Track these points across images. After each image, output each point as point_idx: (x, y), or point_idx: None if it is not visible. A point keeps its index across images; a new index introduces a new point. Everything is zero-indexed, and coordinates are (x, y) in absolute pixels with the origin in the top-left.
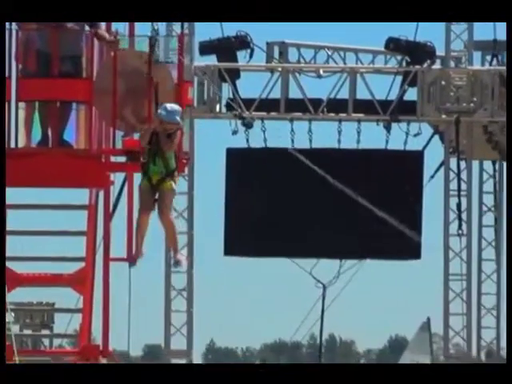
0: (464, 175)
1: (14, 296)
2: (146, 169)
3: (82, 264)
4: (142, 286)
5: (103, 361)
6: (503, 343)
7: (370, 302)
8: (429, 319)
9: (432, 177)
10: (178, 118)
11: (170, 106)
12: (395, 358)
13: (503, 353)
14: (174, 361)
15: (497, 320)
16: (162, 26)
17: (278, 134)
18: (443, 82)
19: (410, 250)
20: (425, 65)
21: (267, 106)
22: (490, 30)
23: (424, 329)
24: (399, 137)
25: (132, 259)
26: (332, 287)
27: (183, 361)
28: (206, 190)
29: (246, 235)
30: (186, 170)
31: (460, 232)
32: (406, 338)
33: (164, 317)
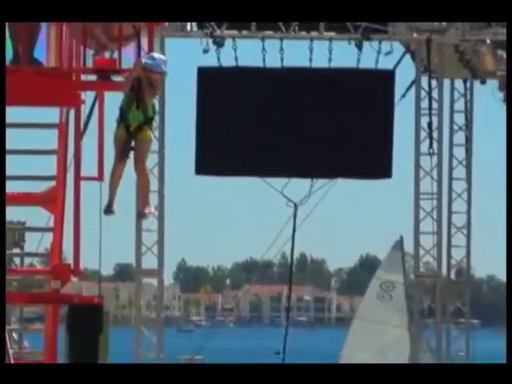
0: (435, 94)
1: None
2: (125, 115)
3: (53, 183)
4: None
5: (74, 279)
6: (473, 262)
7: (341, 222)
8: (401, 238)
9: (403, 96)
10: (163, 68)
11: (157, 55)
12: (366, 277)
13: (473, 271)
14: (145, 280)
15: (467, 239)
16: None
17: (249, 52)
18: None
19: (380, 169)
20: None
21: (238, 24)
22: None
23: (396, 248)
24: (371, 56)
25: (109, 208)
26: (303, 206)
27: (154, 280)
28: (177, 109)
29: (217, 154)
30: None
31: (431, 151)
32: (377, 256)
33: (135, 236)
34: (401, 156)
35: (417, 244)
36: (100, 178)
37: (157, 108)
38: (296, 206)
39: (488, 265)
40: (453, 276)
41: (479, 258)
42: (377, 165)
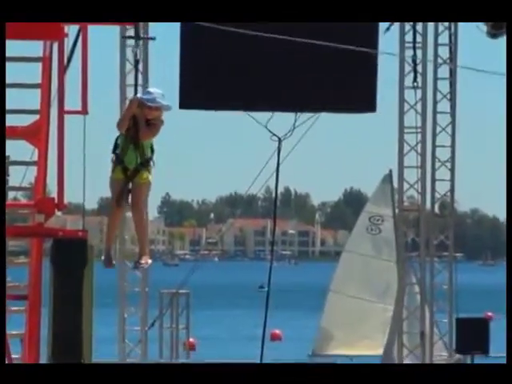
0: (419, 27)
1: None
2: (121, 157)
3: (37, 117)
4: (97, 139)
5: (58, 213)
6: (457, 195)
7: (325, 156)
8: (391, 171)
9: (387, 29)
10: (161, 101)
11: (154, 89)
12: (350, 211)
13: (457, 205)
14: (129, 214)
15: (451, 172)
16: None
17: None
18: None
19: (365, 102)
20: None
21: None
22: None
23: (386, 181)
24: None
25: (108, 260)
26: (288, 141)
27: None
28: (160, 42)
29: (201, 88)
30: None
31: (415, 84)
32: (361, 190)
33: None
34: (385, 90)
35: (401, 178)
36: (84, 111)
37: (154, 148)
38: (280, 141)
39: (472, 198)
40: (437, 210)
41: (463, 192)
42: (361, 98)
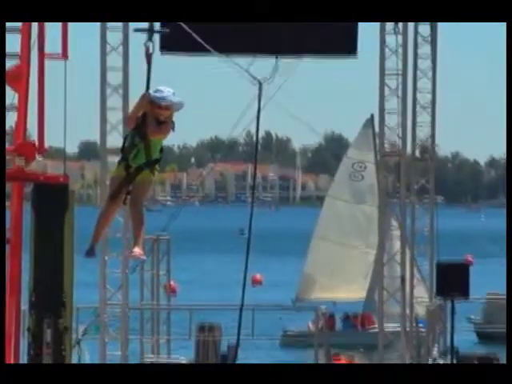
0: None
1: None
2: (127, 154)
3: (17, 61)
4: (78, 83)
5: (39, 158)
6: (438, 140)
7: (306, 100)
8: (372, 116)
9: None
10: (172, 99)
11: (164, 87)
12: (331, 156)
13: (437, 149)
14: (110, 159)
15: (431, 117)
16: None
17: None
18: None
19: (346, 46)
20: None
21: None
22: None
23: (367, 126)
24: None
25: (91, 251)
26: (269, 86)
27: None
28: None
29: (183, 32)
30: None
31: (396, 29)
32: (342, 135)
33: (100, 114)
34: (366, 34)
35: (382, 123)
36: (64, 56)
37: (162, 149)
38: (261, 85)
39: (452, 143)
40: (418, 154)
41: (444, 136)
42: (342, 42)
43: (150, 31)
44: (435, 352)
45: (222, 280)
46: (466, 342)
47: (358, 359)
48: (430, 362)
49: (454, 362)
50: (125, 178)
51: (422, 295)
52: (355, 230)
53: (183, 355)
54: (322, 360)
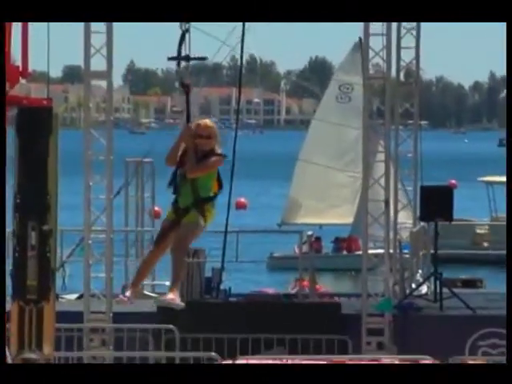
0: None
1: None
2: (177, 195)
3: None
4: None
5: (23, 81)
6: (422, 63)
7: (290, 24)
8: (360, 39)
9: None
10: (212, 123)
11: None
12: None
13: (422, 73)
14: (94, 82)
15: (416, 40)
16: None
17: None
18: None
19: None
20: None
21: None
22: None
23: (355, 49)
24: None
25: (125, 295)
26: None
27: (103, 82)
28: None
29: None
30: None
31: None
32: (326, 58)
33: (83, 37)
34: None
35: (366, 46)
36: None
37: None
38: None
39: (437, 66)
40: (402, 78)
41: (428, 60)
42: None
43: (186, 59)
44: (419, 276)
45: None
46: (450, 266)
47: (322, 281)
48: (414, 286)
49: (438, 285)
50: (173, 220)
51: (407, 220)
52: (342, 154)
53: (167, 280)
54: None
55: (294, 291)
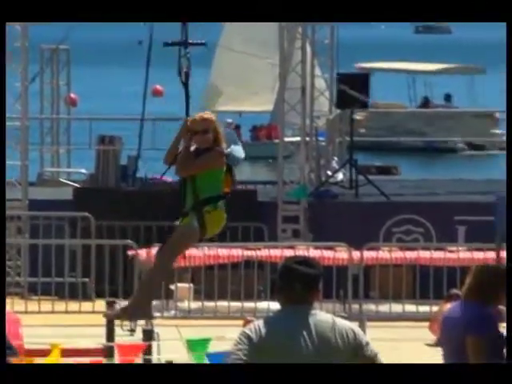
0: None
1: None
2: (183, 199)
3: None
4: None
5: None
6: None
7: None
8: None
9: None
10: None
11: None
12: None
13: None
14: None
15: None
16: None
17: None
18: None
19: None
20: None
21: None
22: None
23: None
24: None
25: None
26: None
27: None
28: None
29: None
30: None
31: None
32: None
33: None
34: None
35: None
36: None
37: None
38: None
39: None
40: None
41: None
42: None
43: (184, 44)
44: (334, 163)
45: (122, 91)
46: (366, 153)
47: (238, 170)
48: (329, 173)
49: (353, 172)
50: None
51: (323, 108)
52: (262, 40)
53: (84, 167)
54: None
55: None
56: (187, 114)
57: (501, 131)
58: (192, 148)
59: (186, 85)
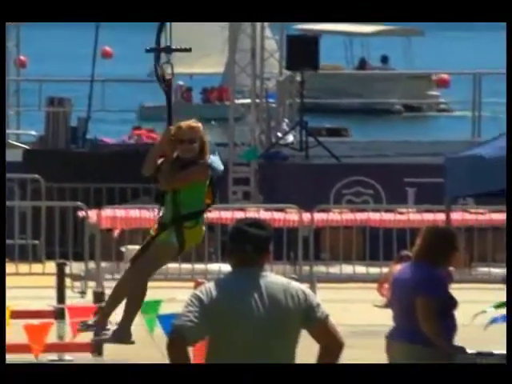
0: None
1: None
2: (163, 205)
3: None
4: None
5: None
6: None
7: None
8: None
9: None
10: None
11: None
12: None
13: None
14: None
15: None
16: None
17: None
18: None
19: None
20: None
21: None
22: None
23: None
24: None
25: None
26: None
27: None
28: None
29: None
30: None
31: None
32: None
33: None
34: None
35: None
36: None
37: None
38: None
39: None
40: None
41: None
42: None
43: (166, 50)
44: (285, 125)
45: (71, 53)
46: (316, 115)
47: None
48: (280, 135)
49: (303, 134)
50: (152, 237)
51: (274, 70)
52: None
53: (33, 128)
54: None
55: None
56: (169, 123)
57: (436, 93)
58: (174, 155)
59: (168, 93)
